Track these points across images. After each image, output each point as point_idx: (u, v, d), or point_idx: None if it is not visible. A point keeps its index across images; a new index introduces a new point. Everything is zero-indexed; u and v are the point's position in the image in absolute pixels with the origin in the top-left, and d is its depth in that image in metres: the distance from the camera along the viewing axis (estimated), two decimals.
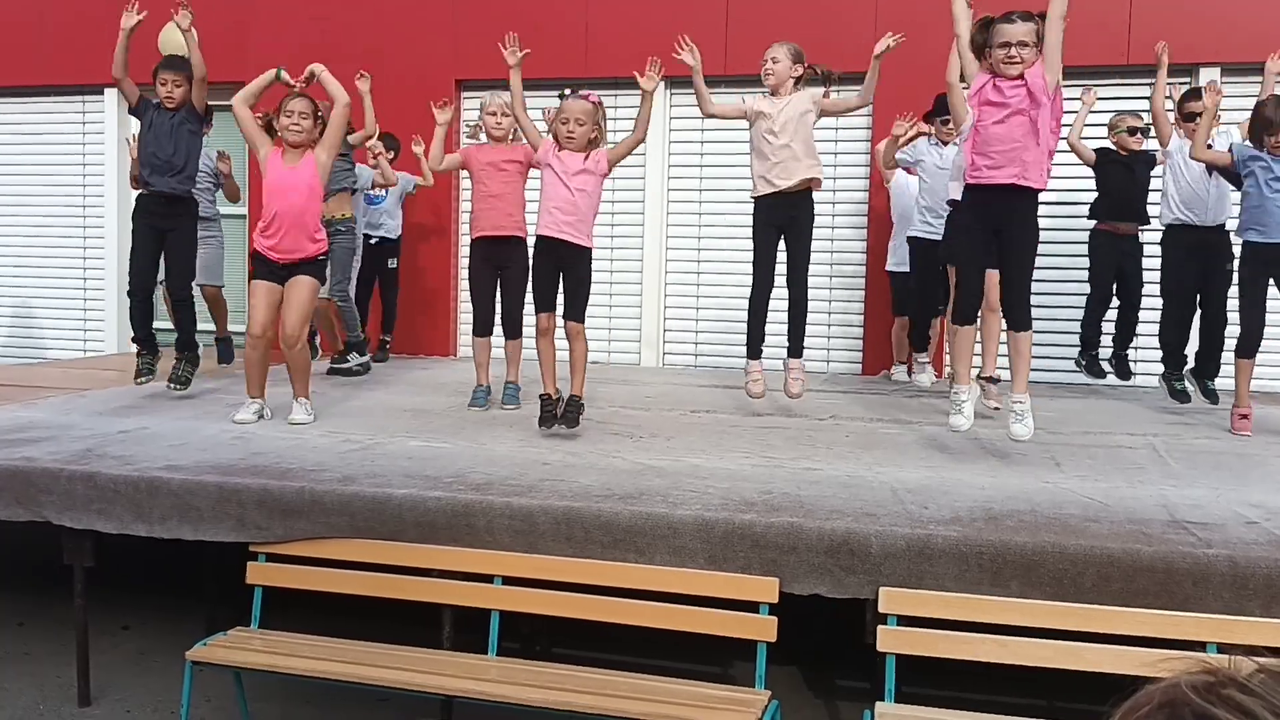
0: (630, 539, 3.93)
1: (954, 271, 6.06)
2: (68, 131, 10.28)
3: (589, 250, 5.58)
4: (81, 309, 10.37)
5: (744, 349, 7.53)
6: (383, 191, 8.10)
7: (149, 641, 5.13)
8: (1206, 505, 4.12)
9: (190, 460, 4.70)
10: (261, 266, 5.73)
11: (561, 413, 5.45)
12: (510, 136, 6.36)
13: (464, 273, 9.12)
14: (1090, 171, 7.15)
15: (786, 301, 6.12)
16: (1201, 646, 3.42)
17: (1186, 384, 6.65)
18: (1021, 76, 4.80)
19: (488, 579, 4.03)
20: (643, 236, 8.83)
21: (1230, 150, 5.97)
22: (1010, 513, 3.97)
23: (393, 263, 8.43)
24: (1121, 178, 7.00)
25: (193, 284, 6.73)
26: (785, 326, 6.15)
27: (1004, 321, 5.29)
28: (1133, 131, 6.98)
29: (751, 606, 3.77)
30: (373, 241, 8.22)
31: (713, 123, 8.62)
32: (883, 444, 5.37)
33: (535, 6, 8.72)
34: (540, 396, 5.57)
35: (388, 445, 5.12)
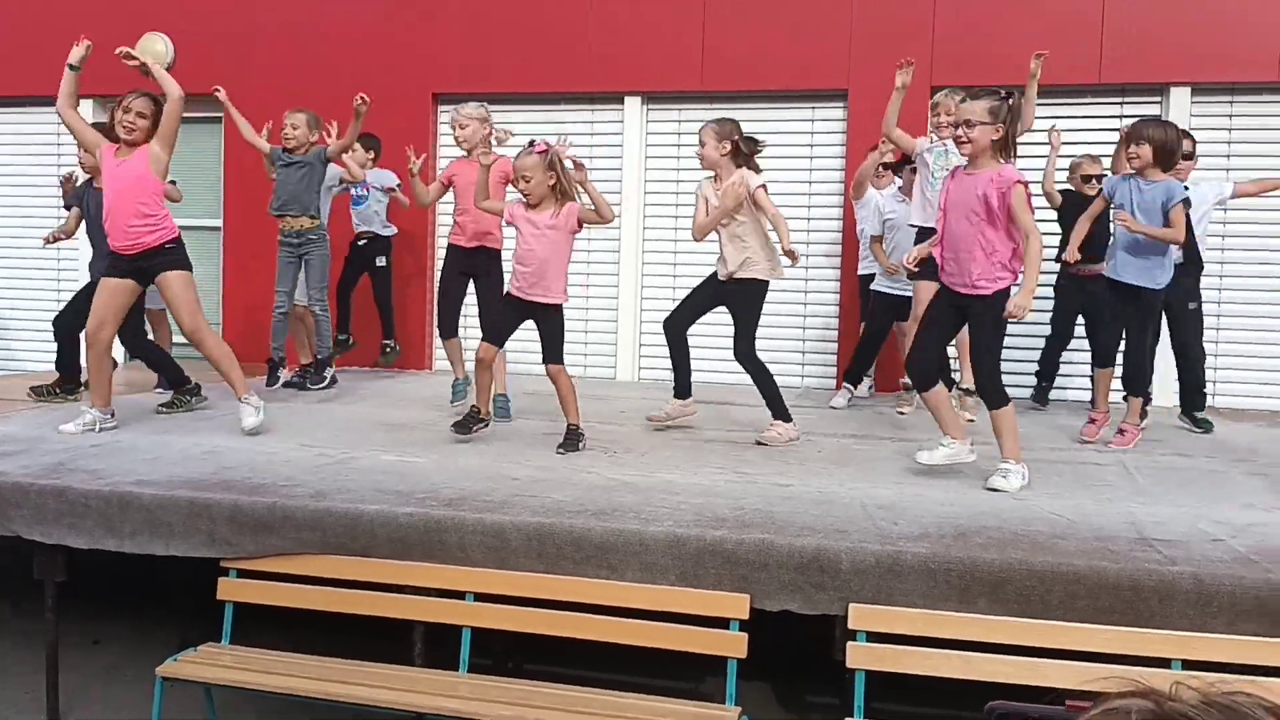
0: (602, 555, 3.95)
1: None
2: (43, 143, 10.22)
3: (559, 305, 5.55)
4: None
5: (712, 365, 7.59)
6: (365, 192, 8.08)
7: (120, 657, 5.09)
8: (1172, 522, 4.16)
9: (162, 475, 4.69)
10: (113, 262, 5.71)
11: (561, 442, 5.46)
12: (478, 149, 6.35)
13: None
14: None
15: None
16: (1167, 663, 3.46)
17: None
18: (984, 179, 4.66)
19: (459, 595, 4.04)
20: (619, 250, 8.85)
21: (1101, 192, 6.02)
22: (979, 529, 4.00)
23: (381, 260, 8.27)
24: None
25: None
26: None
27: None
28: (1087, 179, 6.95)
29: (722, 623, 3.79)
30: (360, 243, 8.21)
31: (690, 137, 8.68)
32: (855, 460, 5.41)
33: (513, 21, 8.75)
34: (471, 407, 5.68)
35: (361, 460, 5.11)
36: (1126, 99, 7.95)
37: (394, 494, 4.40)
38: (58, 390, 6.98)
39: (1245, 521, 4.22)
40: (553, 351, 5.55)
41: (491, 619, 4.01)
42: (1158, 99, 7.87)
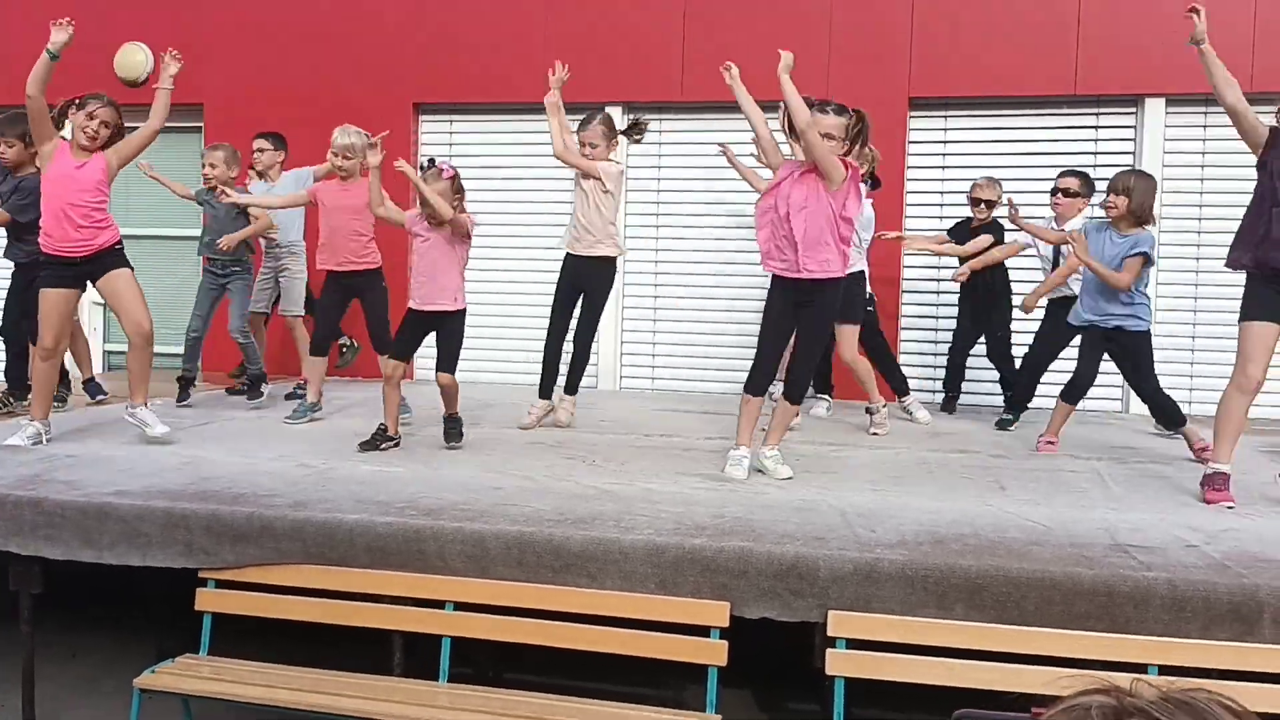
0: (581, 564, 3.96)
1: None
2: None
3: (459, 311, 5.68)
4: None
5: (693, 374, 7.60)
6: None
7: (97, 668, 5.06)
8: (1147, 529, 4.20)
9: (139, 485, 4.67)
10: (55, 271, 5.58)
11: (444, 431, 5.72)
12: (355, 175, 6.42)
13: None
14: None
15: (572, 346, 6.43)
16: (1142, 669, 3.49)
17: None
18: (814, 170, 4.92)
19: (439, 604, 4.04)
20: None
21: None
22: (955, 536, 4.03)
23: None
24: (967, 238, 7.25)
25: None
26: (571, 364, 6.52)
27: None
28: (976, 202, 7.05)
29: (702, 630, 3.81)
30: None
31: (670, 148, 8.73)
32: (833, 467, 5.43)
33: (494, 30, 8.77)
34: (380, 425, 5.71)
35: (340, 470, 5.10)
36: (1102, 110, 8.02)
37: (373, 504, 4.39)
38: (11, 400, 6.89)
39: (1219, 527, 4.26)
40: (447, 360, 5.64)
41: (471, 628, 4.01)
42: (1133, 110, 7.94)
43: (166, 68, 5.59)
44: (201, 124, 9.29)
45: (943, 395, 7.62)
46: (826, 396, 7.50)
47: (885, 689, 3.70)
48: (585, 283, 6.37)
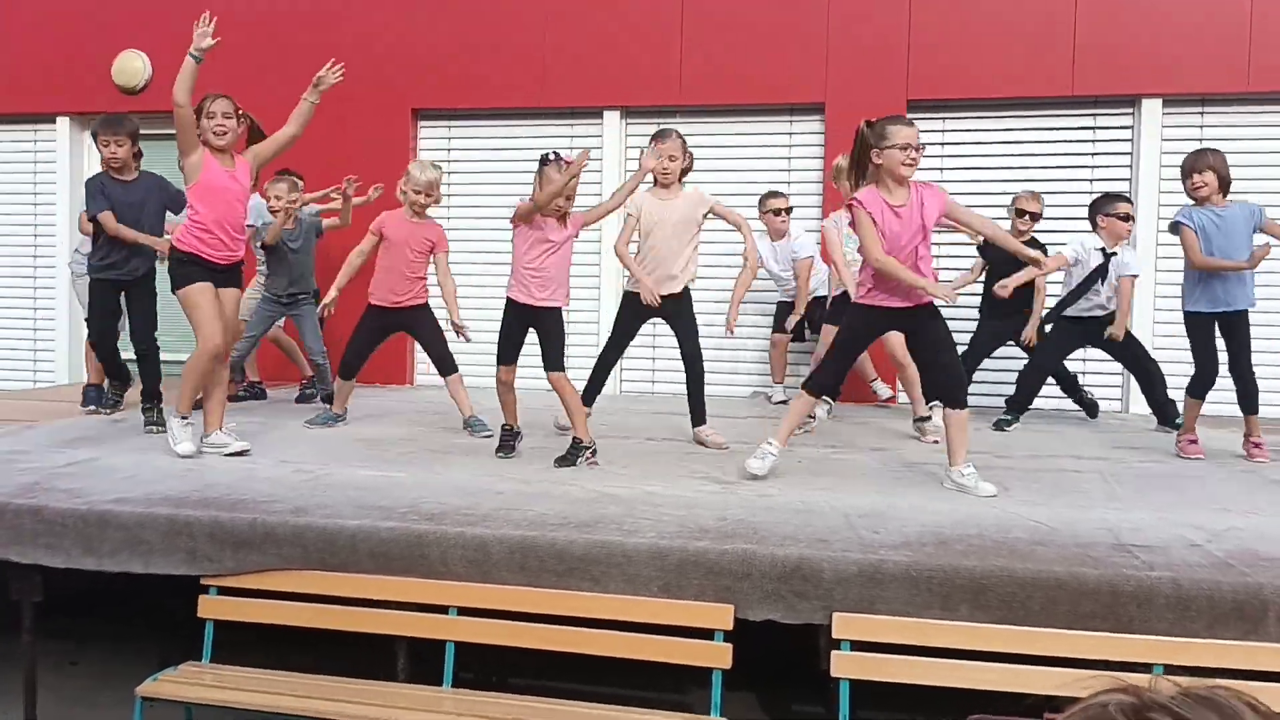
0: (584, 568, 3.95)
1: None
2: (19, 161, 10.17)
3: (561, 308, 5.66)
4: (31, 340, 10.23)
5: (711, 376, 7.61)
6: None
7: (98, 677, 5.05)
8: (1150, 528, 4.20)
9: (140, 492, 4.66)
10: (204, 270, 5.50)
11: (563, 455, 5.50)
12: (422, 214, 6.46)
13: None
14: None
15: (687, 376, 6.20)
16: (1147, 668, 3.48)
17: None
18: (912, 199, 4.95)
19: (442, 610, 4.03)
20: (599, 265, 8.87)
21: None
22: (959, 537, 4.02)
23: None
24: (1002, 257, 7.26)
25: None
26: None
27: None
28: (1020, 214, 7.10)
29: (707, 634, 3.80)
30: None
31: None
32: (835, 469, 5.43)
33: (492, 36, 8.78)
34: (503, 426, 5.74)
35: (341, 475, 5.09)
36: (1099, 111, 8.03)
37: (375, 509, 4.38)
38: (119, 397, 6.98)
39: (1221, 526, 4.26)
40: (552, 357, 5.58)
41: (474, 633, 4.00)
42: (1130, 110, 7.95)
43: (319, 84, 5.52)
44: None
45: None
46: (828, 399, 7.47)
47: (890, 691, 3.69)
48: (674, 314, 6.17)
